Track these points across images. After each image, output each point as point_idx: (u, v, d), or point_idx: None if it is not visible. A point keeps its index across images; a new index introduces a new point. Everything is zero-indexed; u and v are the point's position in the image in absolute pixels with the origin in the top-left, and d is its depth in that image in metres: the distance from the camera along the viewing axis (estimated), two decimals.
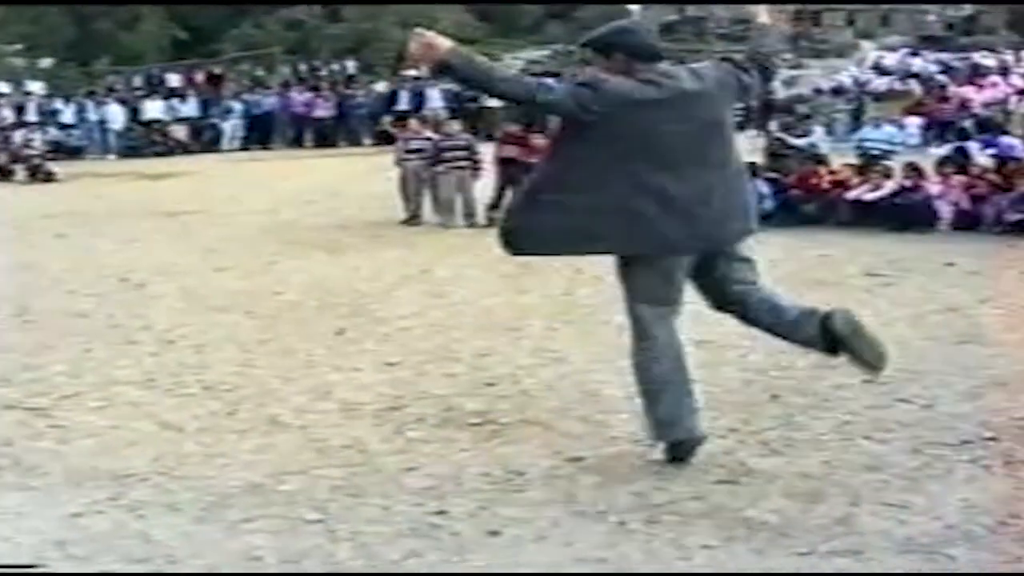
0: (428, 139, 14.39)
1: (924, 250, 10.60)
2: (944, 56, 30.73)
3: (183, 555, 3.94)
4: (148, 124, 25.98)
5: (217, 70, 30.36)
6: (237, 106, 26.92)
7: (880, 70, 29.68)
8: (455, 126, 14.92)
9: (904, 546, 3.85)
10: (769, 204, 12.51)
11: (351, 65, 32.18)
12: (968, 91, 23.94)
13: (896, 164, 13.55)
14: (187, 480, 4.69)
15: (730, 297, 4.74)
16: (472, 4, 36.64)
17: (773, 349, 5.82)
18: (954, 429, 5.10)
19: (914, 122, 21.40)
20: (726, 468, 4.64)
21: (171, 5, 33.21)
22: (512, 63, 33.49)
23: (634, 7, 40.60)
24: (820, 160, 13.99)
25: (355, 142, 25.79)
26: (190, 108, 26.98)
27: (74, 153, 24.83)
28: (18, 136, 22.70)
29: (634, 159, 4.45)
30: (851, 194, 12.76)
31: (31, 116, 25.56)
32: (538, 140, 12.84)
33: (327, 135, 26.15)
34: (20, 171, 20.83)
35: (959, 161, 13.54)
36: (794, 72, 30.25)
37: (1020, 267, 9.73)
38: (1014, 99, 23.42)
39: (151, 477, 4.74)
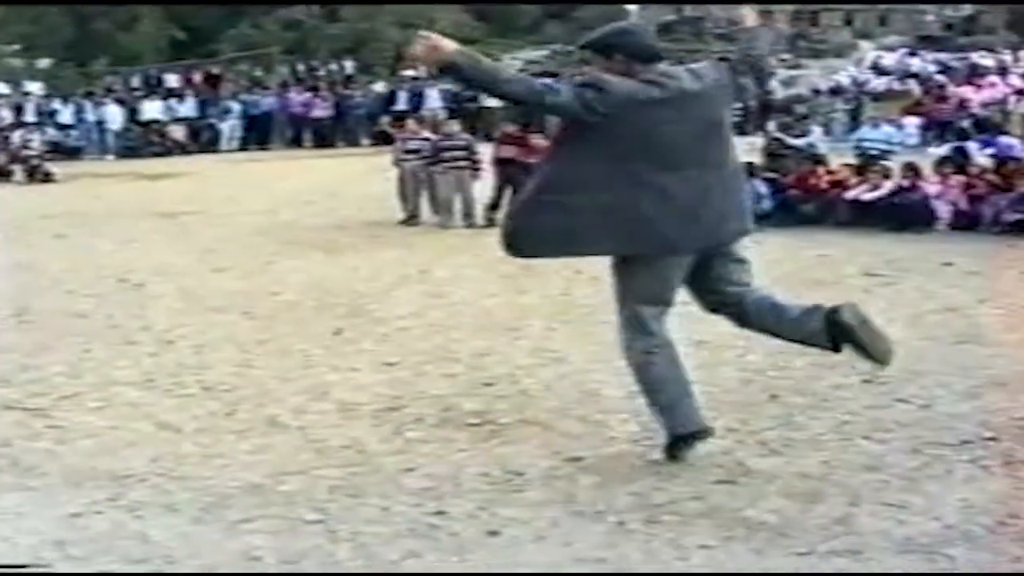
0: (426, 139, 14.38)
1: (923, 250, 10.60)
2: (942, 56, 30.76)
3: (182, 555, 3.94)
4: (146, 124, 25.97)
5: (215, 70, 30.34)
6: (235, 106, 26.90)
7: (878, 70, 29.69)
8: (454, 126, 14.91)
9: (903, 546, 3.85)
10: (767, 204, 12.52)
11: (349, 65, 32.20)
12: (966, 91, 23.94)
13: (894, 164, 13.55)
14: (186, 480, 4.69)
15: (727, 299, 4.74)
16: (470, 4, 36.64)
17: (771, 349, 5.83)
18: (953, 429, 5.10)
19: (912, 122, 21.40)
20: (725, 468, 4.64)
21: (169, 5, 33.18)
22: (511, 63, 33.50)
23: (632, 7, 40.60)
24: (818, 160, 13.99)
25: (353, 142, 25.78)
26: (188, 108, 26.96)
27: (72, 153, 24.79)
28: (16, 136, 22.66)
29: (636, 159, 4.46)
30: (849, 194, 12.76)
31: (29, 116, 25.54)
32: (537, 140, 12.85)
33: (325, 135, 26.14)
34: (18, 171, 20.81)
35: (958, 161, 13.53)
36: (792, 72, 30.29)
37: (1019, 267, 9.73)
38: (1013, 99, 23.42)
39: (150, 477, 4.74)
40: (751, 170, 12.74)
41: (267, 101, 27.02)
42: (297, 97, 26.92)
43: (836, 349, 4.69)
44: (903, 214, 12.17)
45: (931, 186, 12.47)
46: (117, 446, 5.19)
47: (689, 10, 39.63)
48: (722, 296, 4.74)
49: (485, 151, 14.11)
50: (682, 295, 4.76)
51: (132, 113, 26.28)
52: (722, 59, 4.88)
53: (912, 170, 12.74)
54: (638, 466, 4.71)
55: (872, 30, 38.94)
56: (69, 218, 14.41)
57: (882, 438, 5.01)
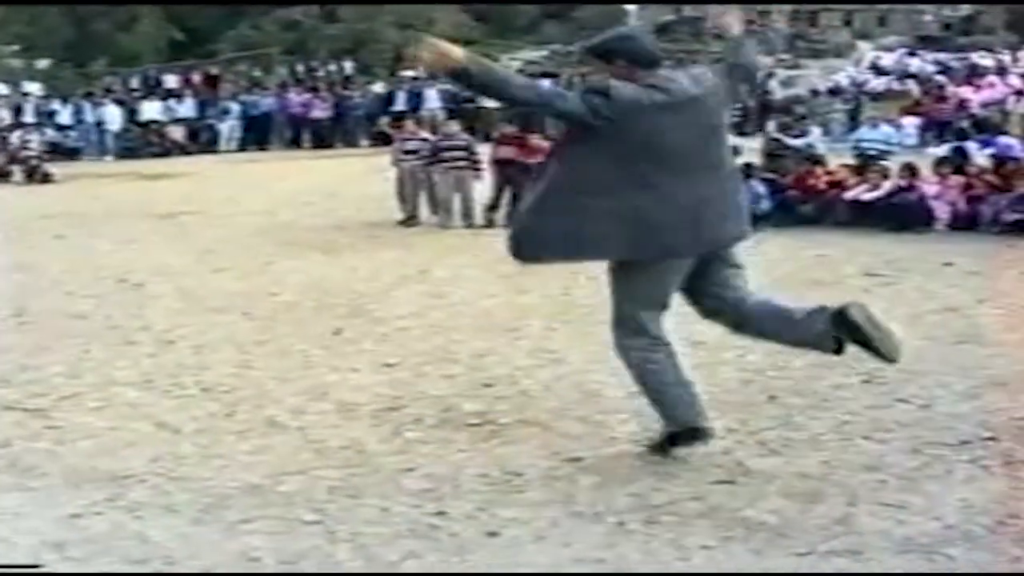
0: (424, 140, 14.38)
1: (922, 250, 10.60)
2: (942, 56, 30.76)
3: (181, 556, 3.94)
4: (145, 125, 25.96)
5: (214, 71, 30.35)
6: (234, 107, 26.90)
7: (877, 70, 29.70)
8: (454, 126, 14.92)
9: (903, 546, 3.85)
10: (766, 204, 12.53)
11: (348, 66, 32.22)
12: (966, 91, 23.95)
13: (893, 164, 13.55)
14: (185, 481, 4.69)
15: (725, 304, 4.74)
16: (469, 4, 36.65)
17: (771, 349, 5.81)
18: (953, 429, 5.10)
19: (911, 122, 21.42)
20: (724, 468, 4.64)
21: (168, 6, 33.18)
22: (509, 64, 33.51)
23: (631, 7, 40.63)
24: (817, 160, 13.99)
25: (352, 143, 25.78)
26: (187, 109, 26.96)
27: (71, 154, 24.78)
28: (15, 137, 22.64)
29: (641, 163, 4.47)
30: (848, 194, 12.77)
31: (28, 117, 25.52)
32: (535, 141, 12.84)
33: (324, 136, 26.14)
34: (17, 172, 20.80)
35: (956, 161, 13.53)
36: (791, 72, 30.30)
37: (1018, 267, 9.73)
38: (1012, 99, 23.42)
39: (149, 478, 4.73)
40: (750, 171, 12.76)
41: (266, 102, 27.02)
42: (296, 98, 26.92)
43: (838, 351, 4.68)
44: (902, 214, 12.17)
45: (930, 186, 12.47)
46: (116, 447, 5.18)
47: (688, 10, 39.64)
48: (720, 301, 4.74)
49: (484, 151, 14.11)
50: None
51: (131, 114, 26.28)
52: (717, 62, 4.90)
53: (910, 170, 12.74)
54: (638, 466, 4.70)
55: (871, 30, 38.96)
56: (68, 219, 14.41)
57: (882, 438, 5.01)
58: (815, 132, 17.43)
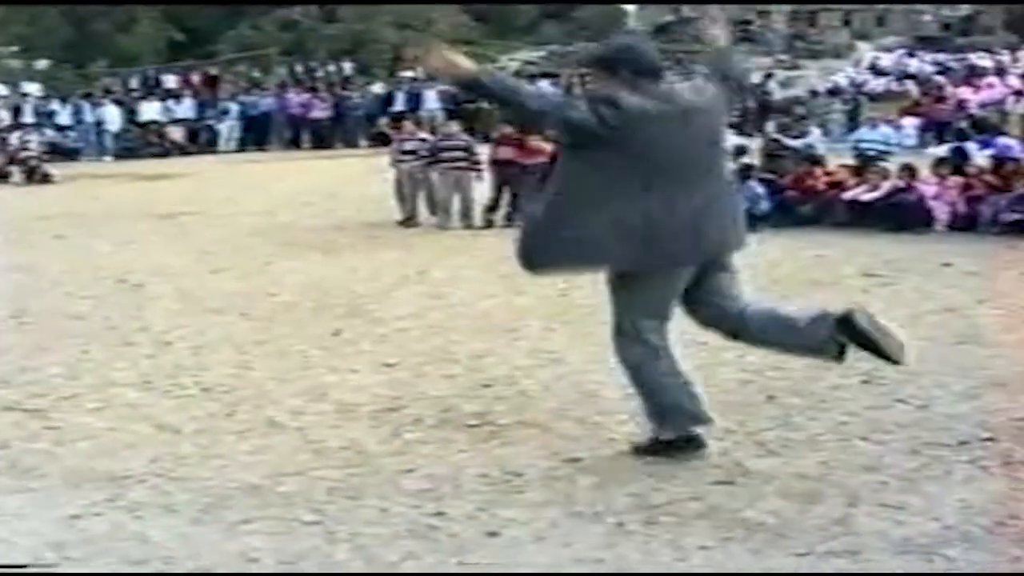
0: (423, 140, 14.39)
1: (921, 250, 10.60)
2: (940, 57, 30.78)
3: (181, 556, 3.94)
4: (144, 125, 25.97)
5: (213, 71, 30.35)
6: (234, 107, 26.91)
7: (876, 71, 29.72)
8: (454, 127, 14.93)
9: (902, 547, 3.85)
10: (765, 205, 12.53)
11: (347, 66, 32.22)
12: (965, 92, 23.97)
13: (892, 165, 13.55)
14: (184, 482, 4.69)
15: (725, 312, 4.75)
16: (468, 4, 36.65)
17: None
18: (952, 430, 5.10)
19: (910, 123, 21.43)
20: (723, 469, 4.64)
21: (167, 6, 33.16)
22: (508, 64, 33.53)
23: (630, 8, 40.64)
24: (816, 161, 13.98)
25: (351, 143, 25.78)
26: (186, 109, 26.97)
27: (70, 154, 24.78)
28: (15, 138, 22.64)
29: (647, 173, 4.49)
30: (847, 195, 12.77)
31: (27, 118, 25.54)
32: (534, 142, 12.83)
33: (324, 136, 26.14)
34: (16, 173, 20.79)
35: (956, 162, 13.53)
36: (790, 73, 30.32)
37: (1018, 268, 9.73)
38: (1011, 100, 23.44)
39: (148, 479, 4.73)
40: (749, 171, 12.77)
41: (265, 102, 27.03)
42: (295, 98, 26.93)
43: (840, 358, 4.68)
44: (901, 215, 12.17)
45: (929, 187, 12.48)
46: (116, 447, 5.19)
47: (687, 10, 39.64)
48: (718, 309, 4.76)
49: (483, 152, 14.11)
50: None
51: (130, 114, 26.30)
52: (706, 72, 4.94)
53: (909, 171, 12.74)
54: (637, 467, 4.71)
55: (870, 31, 38.97)
56: (67, 219, 14.40)
57: (880, 439, 5.01)
58: (814, 133, 17.45)
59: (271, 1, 34.13)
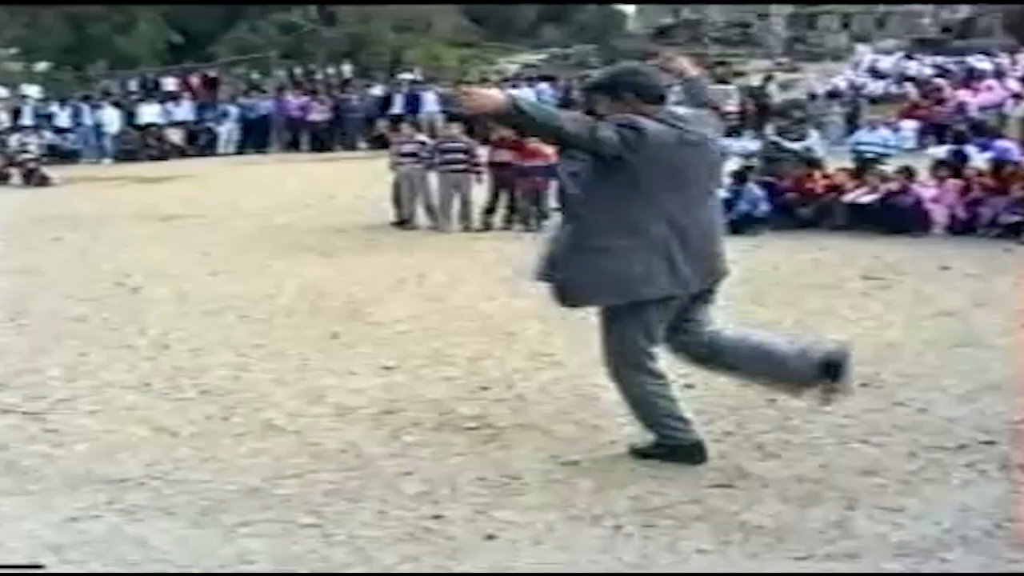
0: (422, 143, 14.39)
1: (920, 253, 10.59)
2: (939, 59, 30.73)
3: (178, 559, 3.94)
4: (143, 128, 25.94)
5: (212, 74, 30.37)
6: (233, 110, 26.89)
7: (875, 73, 29.68)
8: (454, 129, 14.93)
9: (900, 550, 3.85)
10: (764, 208, 12.52)
11: (347, 69, 32.23)
12: (964, 94, 23.95)
13: (891, 168, 13.54)
14: (182, 484, 4.69)
15: (700, 338, 4.78)
16: (467, 4, 36.68)
17: None
18: (950, 433, 5.11)
19: (909, 125, 21.41)
20: (722, 472, 4.65)
21: (167, 6, 33.17)
22: (507, 67, 33.57)
23: (629, 10, 40.64)
24: (815, 164, 13.98)
25: (350, 146, 25.76)
26: (185, 112, 26.95)
27: (69, 157, 24.78)
28: (13, 140, 22.63)
29: (665, 200, 4.53)
30: (846, 197, 12.76)
31: (26, 120, 25.54)
32: (532, 144, 12.82)
33: (323, 139, 26.13)
34: (15, 175, 20.81)
35: (955, 164, 13.52)
36: (789, 76, 30.31)
37: (1016, 271, 9.72)
38: (1010, 102, 23.42)
39: (146, 481, 4.74)
40: (747, 175, 12.77)
41: (264, 105, 27.02)
42: (294, 101, 26.92)
43: (810, 387, 4.79)
44: (899, 218, 12.16)
45: (927, 189, 12.47)
46: (114, 450, 5.18)
47: (687, 12, 39.67)
48: (693, 336, 4.79)
49: (482, 154, 14.10)
50: None
51: (129, 116, 26.28)
52: (690, 101, 5.01)
53: (907, 173, 12.73)
54: (635, 470, 4.71)
55: (869, 33, 38.96)
56: (66, 221, 14.39)
57: (879, 442, 5.01)
58: (813, 135, 17.41)
59: (271, 2, 34.15)
